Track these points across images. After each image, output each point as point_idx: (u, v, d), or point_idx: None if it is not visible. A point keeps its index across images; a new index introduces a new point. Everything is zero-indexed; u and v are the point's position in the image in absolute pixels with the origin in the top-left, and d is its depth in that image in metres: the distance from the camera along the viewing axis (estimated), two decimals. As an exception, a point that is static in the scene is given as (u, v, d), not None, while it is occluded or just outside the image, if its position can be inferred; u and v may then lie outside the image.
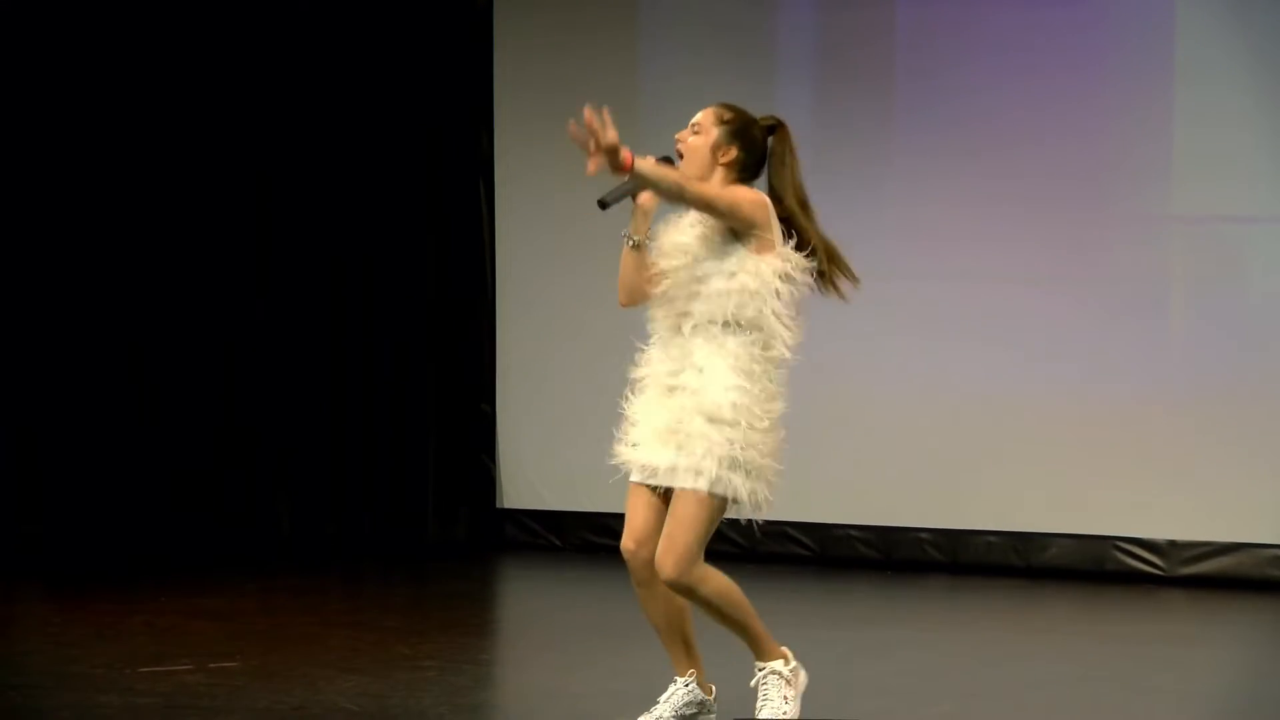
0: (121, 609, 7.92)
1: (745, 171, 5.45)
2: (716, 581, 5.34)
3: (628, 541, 5.43)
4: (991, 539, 9.11)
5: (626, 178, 5.17)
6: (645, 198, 5.41)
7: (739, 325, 5.34)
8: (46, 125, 9.75)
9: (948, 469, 9.09)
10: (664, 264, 5.43)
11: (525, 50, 9.90)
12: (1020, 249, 9.01)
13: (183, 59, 9.99)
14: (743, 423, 5.27)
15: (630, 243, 5.46)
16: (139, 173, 9.95)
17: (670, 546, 5.27)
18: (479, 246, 9.99)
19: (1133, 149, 8.81)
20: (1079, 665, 6.99)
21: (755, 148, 5.46)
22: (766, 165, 5.47)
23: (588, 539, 9.80)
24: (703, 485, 5.26)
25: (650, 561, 5.36)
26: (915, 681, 6.57)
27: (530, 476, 9.99)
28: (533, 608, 9.03)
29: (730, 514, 5.33)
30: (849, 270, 5.46)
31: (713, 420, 5.28)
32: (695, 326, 5.36)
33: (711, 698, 5.57)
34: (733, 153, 5.43)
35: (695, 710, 5.55)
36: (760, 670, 5.49)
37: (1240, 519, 8.68)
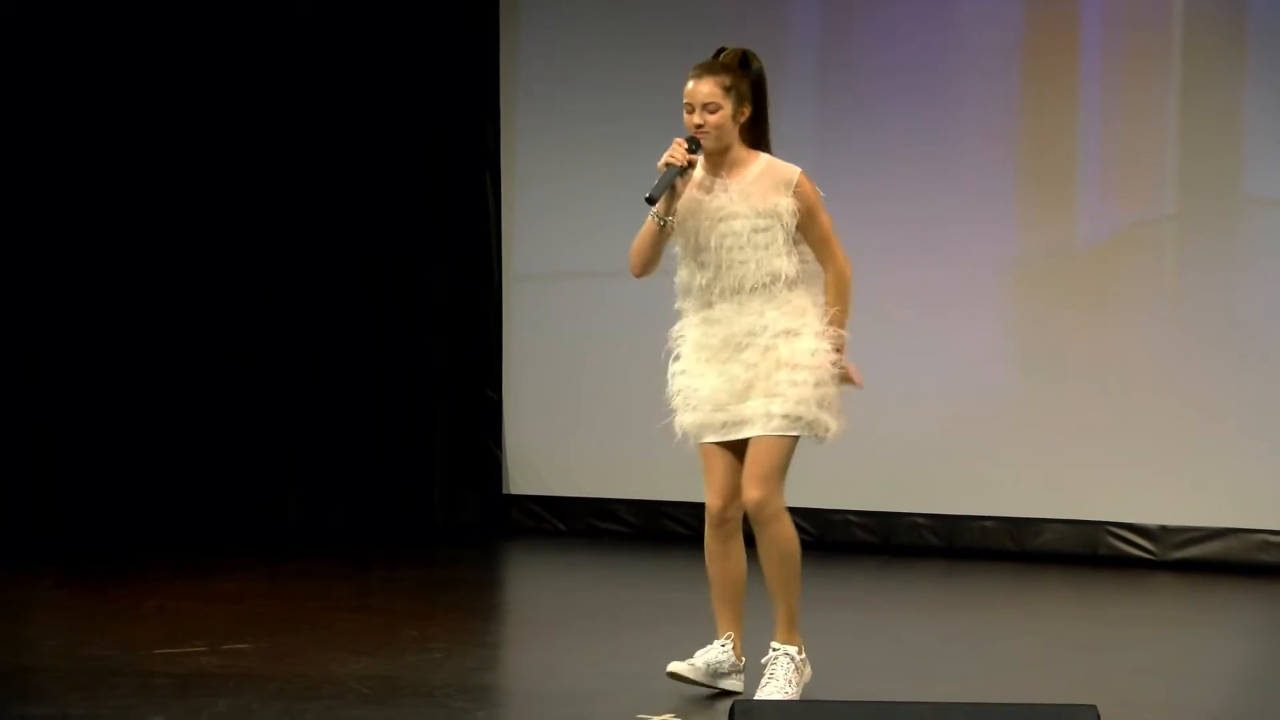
0: (135, 593, 7.93)
1: (759, 118, 5.61)
2: (791, 529, 5.61)
3: (714, 499, 5.63)
4: (987, 524, 9.11)
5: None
6: (680, 184, 5.51)
7: (795, 280, 5.53)
8: (68, 128, 9.74)
9: (944, 456, 9.09)
10: (715, 228, 5.53)
11: (530, 46, 9.90)
12: (1014, 241, 9.01)
13: (196, 58, 9.97)
14: (821, 365, 5.51)
15: (661, 223, 5.52)
16: (151, 168, 9.93)
17: (759, 474, 5.50)
18: (485, 238, 9.99)
19: (1127, 144, 8.80)
20: (1072, 647, 7.00)
21: (752, 92, 5.59)
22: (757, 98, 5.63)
23: (591, 524, 9.80)
24: (795, 430, 5.50)
25: (733, 519, 5.64)
26: (913, 662, 6.58)
27: (535, 463, 10.00)
28: (537, 591, 9.04)
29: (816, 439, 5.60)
30: None
31: (796, 368, 5.49)
32: (754, 287, 5.51)
33: (742, 663, 5.76)
34: (746, 110, 5.58)
35: (727, 670, 5.75)
36: (775, 650, 5.63)
37: (1230, 504, 8.69)
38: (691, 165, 5.52)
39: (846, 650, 6.63)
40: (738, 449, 5.59)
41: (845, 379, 5.59)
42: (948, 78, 9.08)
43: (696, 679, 5.70)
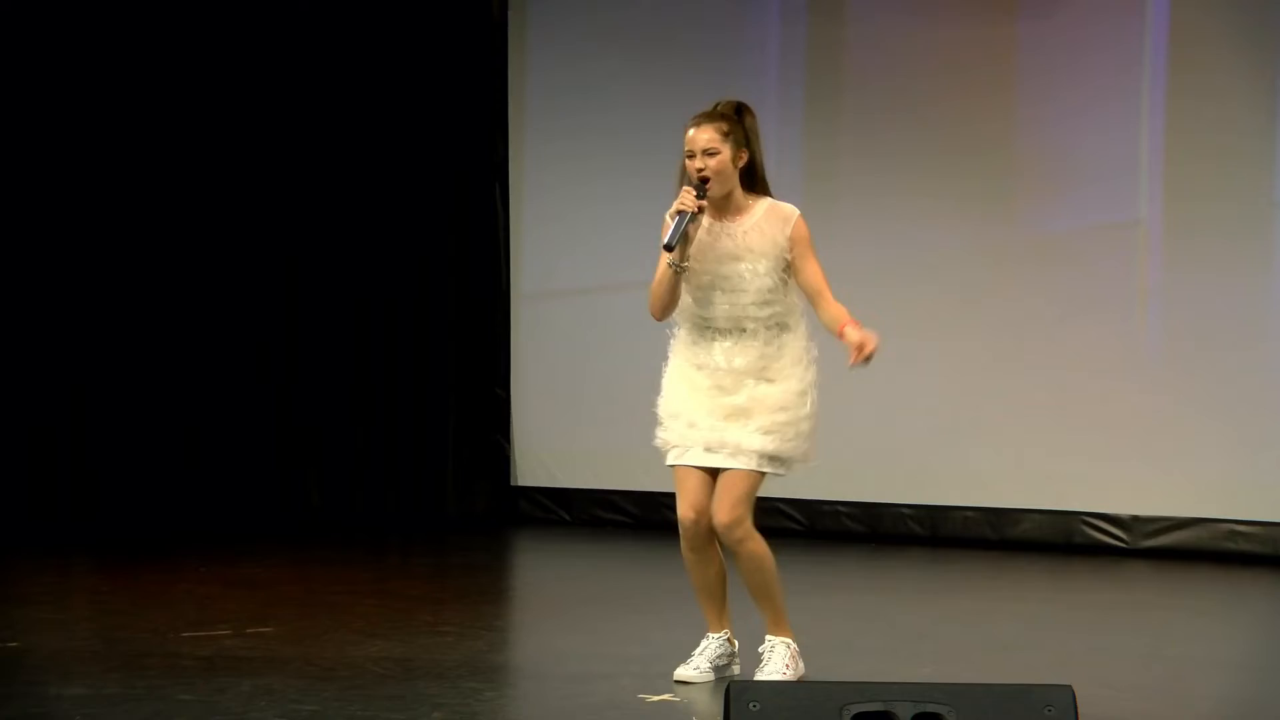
0: (166, 579, 7.93)
1: (752, 165, 5.58)
2: (761, 545, 5.56)
3: (688, 511, 5.58)
4: (968, 514, 9.12)
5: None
6: (692, 230, 5.50)
7: (788, 324, 5.56)
8: (112, 134, 9.79)
9: (928, 450, 9.10)
10: (719, 269, 5.53)
11: (537, 62, 9.91)
12: (996, 245, 9.02)
13: (221, 76, 10.01)
14: (806, 407, 5.52)
15: (677, 269, 5.52)
16: (189, 173, 10.01)
17: (729, 502, 5.49)
18: (495, 244, 10.00)
19: (1096, 152, 8.81)
20: (1049, 630, 7.00)
21: (748, 140, 5.57)
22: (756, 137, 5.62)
23: (595, 514, 9.81)
24: (770, 469, 5.50)
25: (707, 530, 5.57)
26: (898, 645, 6.58)
27: (542, 456, 10.00)
28: (544, 577, 9.04)
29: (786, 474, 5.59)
30: None
31: (783, 409, 5.50)
32: (749, 328, 5.52)
33: (737, 647, 5.75)
34: (744, 155, 5.57)
35: (726, 661, 5.72)
36: (770, 640, 5.63)
37: (1197, 496, 8.69)
38: (702, 210, 5.49)
39: (836, 633, 6.63)
40: (712, 473, 5.57)
41: (862, 351, 5.38)
42: (934, 93, 9.10)
43: (704, 680, 5.65)
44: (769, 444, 5.48)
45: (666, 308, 5.62)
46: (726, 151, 5.52)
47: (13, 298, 9.57)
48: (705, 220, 5.56)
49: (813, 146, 9.29)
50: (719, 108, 5.59)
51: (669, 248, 5.47)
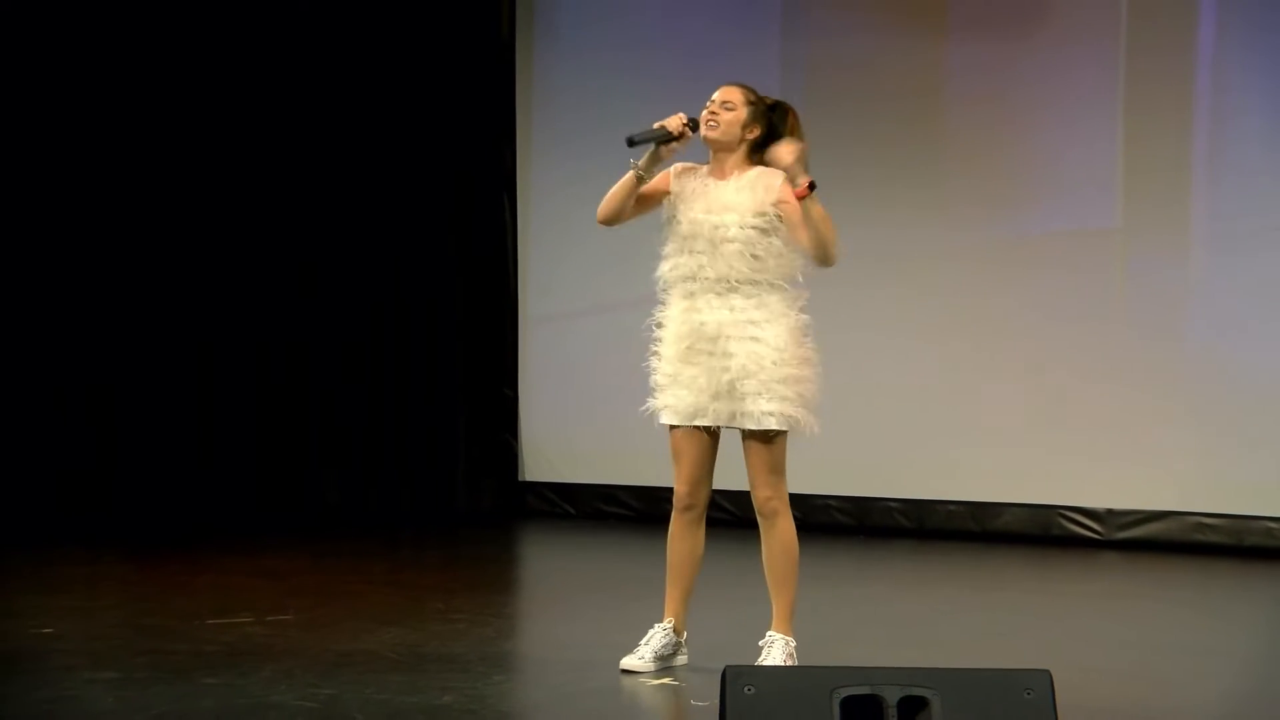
0: (191, 569, 7.95)
1: (760, 147, 5.54)
2: (793, 527, 5.54)
3: (682, 485, 5.52)
4: (952, 507, 9.12)
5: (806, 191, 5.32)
6: (665, 149, 5.47)
7: (777, 282, 5.45)
8: (142, 143, 9.81)
9: (914, 446, 9.11)
10: (709, 219, 5.46)
11: (542, 78, 9.92)
12: (980, 250, 9.02)
13: (241, 88, 10.01)
14: (804, 367, 5.42)
15: (639, 177, 5.49)
16: (215, 189, 10.02)
17: (764, 472, 5.44)
18: (503, 251, 10.00)
19: (1074, 163, 8.82)
20: (1029, 617, 7.01)
21: (768, 127, 5.56)
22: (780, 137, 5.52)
23: (598, 508, 9.82)
24: (786, 426, 5.40)
25: (697, 506, 5.52)
26: (886, 632, 6.59)
27: (547, 453, 10.01)
28: (550, 568, 9.05)
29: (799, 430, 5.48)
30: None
31: (780, 366, 5.38)
32: (739, 281, 5.42)
33: (683, 639, 5.67)
34: (756, 130, 5.54)
35: (672, 650, 5.64)
36: (771, 635, 5.55)
37: (1169, 490, 8.70)
38: (682, 138, 5.45)
39: (827, 621, 6.63)
40: (709, 440, 5.50)
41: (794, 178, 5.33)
42: (925, 107, 9.12)
43: (647, 670, 5.58)
44: (774, 405, 5.38)
45: (616, 212, 5.56)
46: (741, 113, 5.51)
47: (42, 302, 9.58)
48: (703, 173, 5.53)
49: (814, 152, 9.24)
50: (761, 94, 5.58)
51: (630, 141, 5.43)
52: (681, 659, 5.68)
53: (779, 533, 5.50)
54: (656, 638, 5.64)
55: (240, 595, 7.14)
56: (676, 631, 5.67)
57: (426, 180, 10.00)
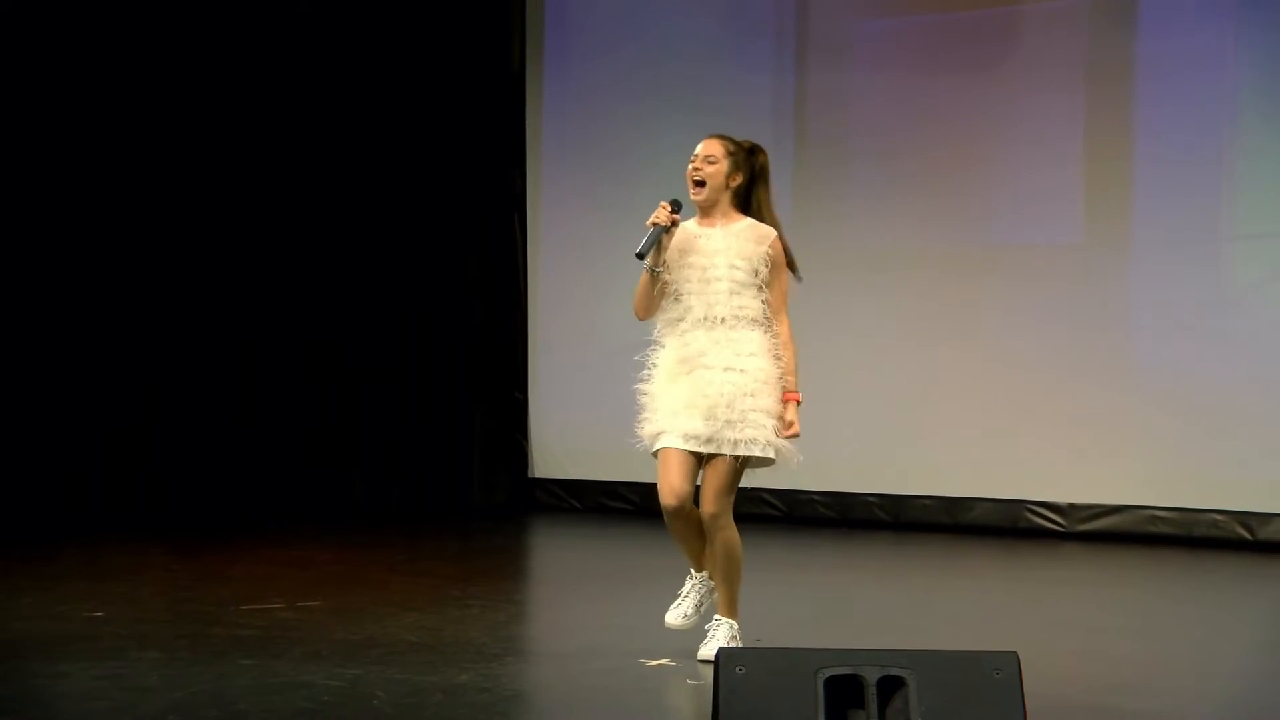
0: (227, 558, 7.95)
1: (742, 192, 5.54)
2: (736, 535, 5.49)
3: (669, 499, 5.47)
4: (927, 502, 9.13)
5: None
6: (666, 239, 5.46)
7: (760, 321, 5.46)
8: (171, 141, 9.79)
9: (892, 445, 9.12)
10: (699, 263, 5.47)
11: (551, 107, 9.93)
12: (954, 262, 9.03)
13: (262, 110, 10.01)
14: (776, 398, 5.41)
15: (654, 273, 5.48)
16: (255, 207, 10.03)
17: (716, 492, 5.40)
18: (513, 267, 10.01)
19: (1042, 182, 8.84)
20: (997, 603, 7.01)
21: (749, 171, 5.54)
22: (754, 182, 5.55)
23: (603, 502, 9.82)
24: (755, 451, 5.39)
25: (686, 512, 5.47)
26: (866, 618, 6.59)
27: (555, 451, 10.01)
28: (558, 558, 9.04)
29: (768, 467, 5.48)
30: (798, 270, 5.57)
31: (757, 397, 5.38)
32: (724, 319, 5.43)
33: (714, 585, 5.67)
34: (738, 178, 5.52)
35: (708, 601, 5.67)
36: (718, 620, 5.57)
37: (1126, 485, 8.71)
38: (674, 225, 5.44)
39: (811, 607, 6.64)
40: (693, 456, 5.48)
41: (789, 428, 5.44)
42: (909, 133, 9.14)
43: (689, 626, 5.61)
44: (748, 433, 5.38)
45: (648, 307, 5.54)
46: (723, 165, 5.50)
47: (89, 310, 9.56)
48: (693, 224, 5.55)
49: (803, 174, 9.28)
50: (723, 134, 5.59)
51: (640, 255, 5.44)
52: (701, 649, 5.58)
53: (723, 540, 5.49)
54: (696, 587, 5.66)
55: (272, 583, 7.15)
56: (709, 579, 5.65)
57: (445, 202, 10.01)
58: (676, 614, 5.68)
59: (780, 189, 9.16)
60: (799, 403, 5.45)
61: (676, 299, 5.50)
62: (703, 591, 5.69)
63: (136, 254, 9.71)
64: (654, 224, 5.43)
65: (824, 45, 9.34)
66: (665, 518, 5.56)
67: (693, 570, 5.71)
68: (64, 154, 9.39)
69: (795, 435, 5.44)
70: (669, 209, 5.42)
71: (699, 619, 5.67)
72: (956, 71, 9.00)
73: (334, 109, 10.05)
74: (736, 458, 5.40)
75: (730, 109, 9.29)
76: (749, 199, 5.55)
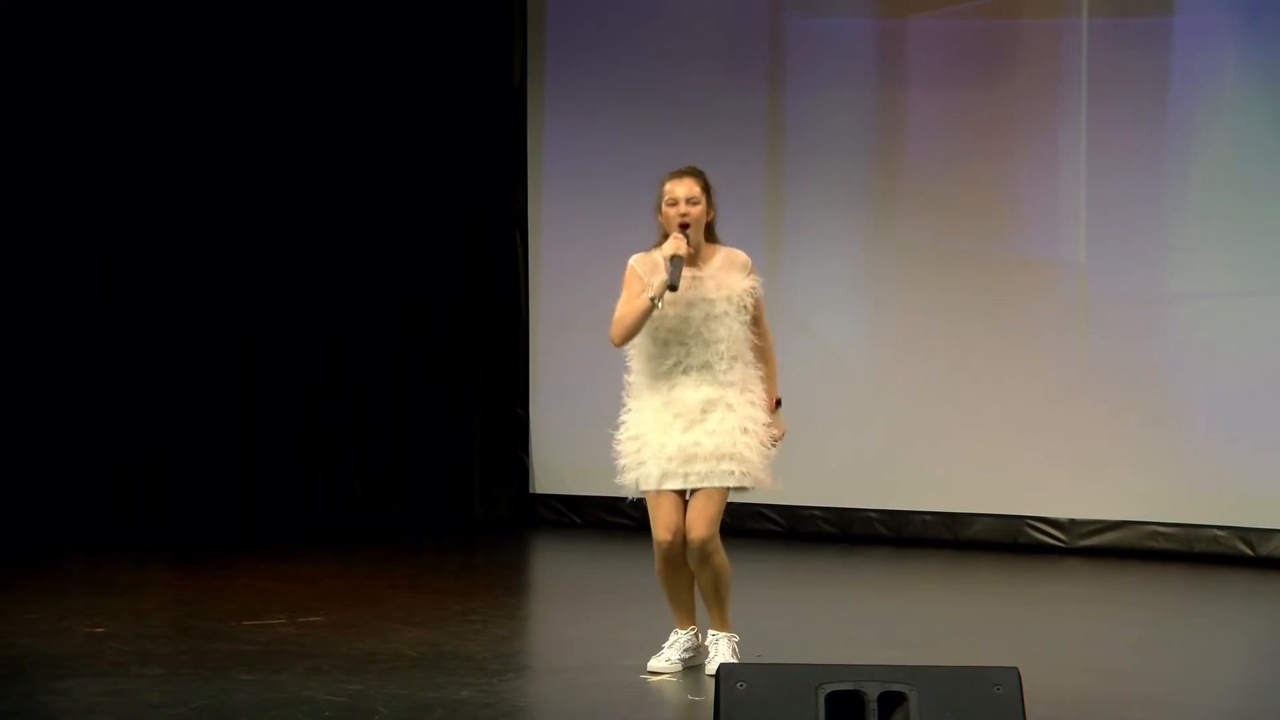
0: (229, 573, 7.93)
1: (712, 220, 5.62)
2: (725, 558, 5.54)
3: (664, 534, 5.51)
4: (927, 517, 9.11)
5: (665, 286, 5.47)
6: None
7: (748, 355, 5.53)
8: (185, 143, 9.76)
9: (893, 460, 9.09)
10: (695, 311, 5.54)
11: (552, 124, 9.94)
12: (953, 278, 9.01)
13: (275, 123, 10.02)
14: (762, 429, 5.48)
15: (658, 307, 5.50)
16: (263, 226, 9.95)
17: (705, 519, 5.44)
18: (515, 284, 10.01)
19: (1040, 199, 8.84)
20: (998, 619, 7.01)
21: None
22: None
23: (603, 518, 9.80)
24: (747, 483, 5.49)
25: (681, 548, 5.49)
26: (866, 632, 6.58)
27: (556, 467, 10.00)
28: (558, 573, 9.04)
29: (754, 495, 5.60)
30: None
31: (747, 432, 5.46)
32: (719, 361, 5.49)
33: (704, 643, 5.66)
34: (712, 211, 5.61)
35: (692, 654, 5.65)
36: (715, 635, 5.58)
37: (1126, 501, 8.69)
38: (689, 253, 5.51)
39: (811, 622, 6.64)
40: (682, 493, 5.53)
41: (775, 435, 5.54)
42: (904, 151, 9.14)
43: (673, 670, 5.58)
44: (737, 466, 5.44)
45: (631, 336, 5.60)
46: (703, 203, 5.56)
47: (90, 323, 9.53)
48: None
49: (799, 186, 9.28)
50: (692, 167, 5.63)
51: (674, 288, 5.47)
52: (709, 666, 5.56)
53: (713, 565, 5.52)
54: (681, 640, 5.65)
55: (274, 598, 7.14)
56: (696, 637, 5.68)
57: (447, 219, 10.01)
58: (660, 660, 5.64)
59: (777, 202, 9.21)
60: (779, 402, 5.56)
61: (669, 344, 5.54)
62: (688, 646, 5.66)
63: (136, 269, 9.68)
64: (675, 255, 5.45)
65: (820, 61, 9.33)
66: (658, 560, 5.54)
67: (678, 628, 5.67)
68: (64, 154, 9.36)
69: (781, 434, 5.54)
70: (683, 239, 5.45)
71: (682, 668, 5.62)
72: (956, 85, 9.00)
73: (337, 125, 10.05)
74: (725, 488, 5.46)
75: (729, 124, 9.29)
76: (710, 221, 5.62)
